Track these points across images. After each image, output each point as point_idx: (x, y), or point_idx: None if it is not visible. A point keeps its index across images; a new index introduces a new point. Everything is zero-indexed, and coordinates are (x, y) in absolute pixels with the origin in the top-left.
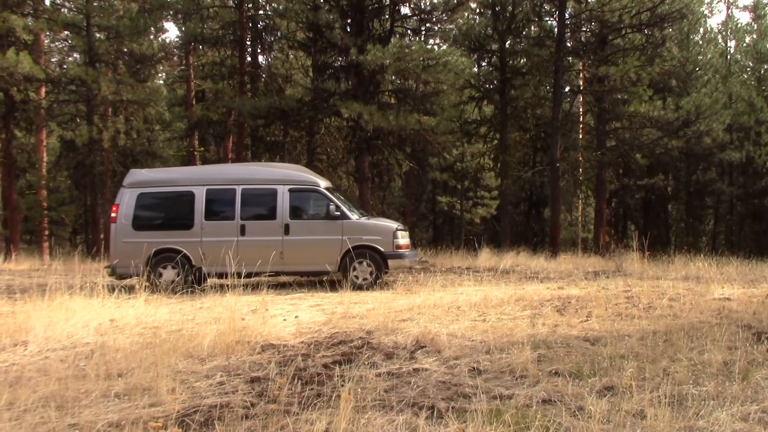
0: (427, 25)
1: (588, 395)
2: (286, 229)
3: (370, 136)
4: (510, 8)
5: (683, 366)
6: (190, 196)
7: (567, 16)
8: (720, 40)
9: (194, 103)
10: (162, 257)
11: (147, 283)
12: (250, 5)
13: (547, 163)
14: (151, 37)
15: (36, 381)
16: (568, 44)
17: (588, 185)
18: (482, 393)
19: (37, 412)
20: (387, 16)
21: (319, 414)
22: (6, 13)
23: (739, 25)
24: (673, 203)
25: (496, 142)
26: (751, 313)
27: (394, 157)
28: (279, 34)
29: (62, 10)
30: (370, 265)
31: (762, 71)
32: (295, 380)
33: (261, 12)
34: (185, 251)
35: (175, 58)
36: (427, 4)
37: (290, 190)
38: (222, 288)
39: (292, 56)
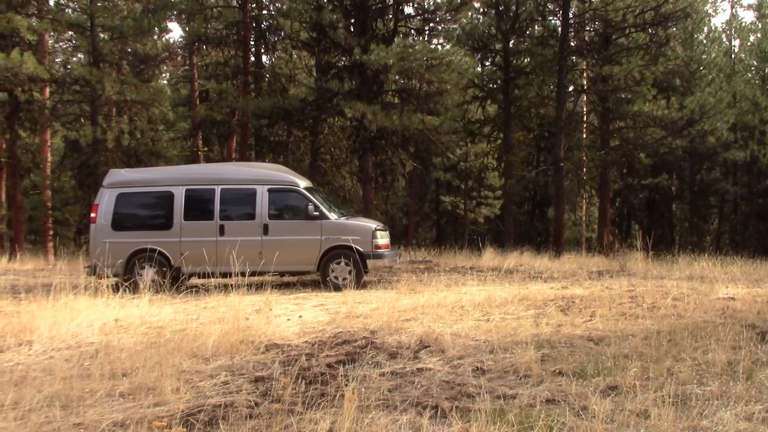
0: (431, 24)
1: (592, 395)
2: (265, 229)
3: (374, 135)
4: (514, 8)
5: (687, 366)
6: (169, 196)
7: (571, 15)
8: (724, 39)
9: (198, 103)
10: (141, 257)
11: (125, 284)
12: (254, 5)
13: (551, 163)
14: (155, 37)
15: (41, 380)
16: (572, 44)
17: (592, 185)
18: (486, 393)
19: (42, 412)
20: (390, 16)
21: (323, 413)
22: (10, 13)
23: (743, 24)
24: (677, 203)
25: (499, 141)
26: (756, 312)
27: (397, 157)
28: (282, 34)
29: (66, 10)
30: (349, 265)
31: (766, 70)
32: (299, 380)
33: (264, 12)
34: (164, 251)
35: (178, 58)
36: (431, 3)
37: (269, 190)
38: (226, 288)
39: (295, 56)
